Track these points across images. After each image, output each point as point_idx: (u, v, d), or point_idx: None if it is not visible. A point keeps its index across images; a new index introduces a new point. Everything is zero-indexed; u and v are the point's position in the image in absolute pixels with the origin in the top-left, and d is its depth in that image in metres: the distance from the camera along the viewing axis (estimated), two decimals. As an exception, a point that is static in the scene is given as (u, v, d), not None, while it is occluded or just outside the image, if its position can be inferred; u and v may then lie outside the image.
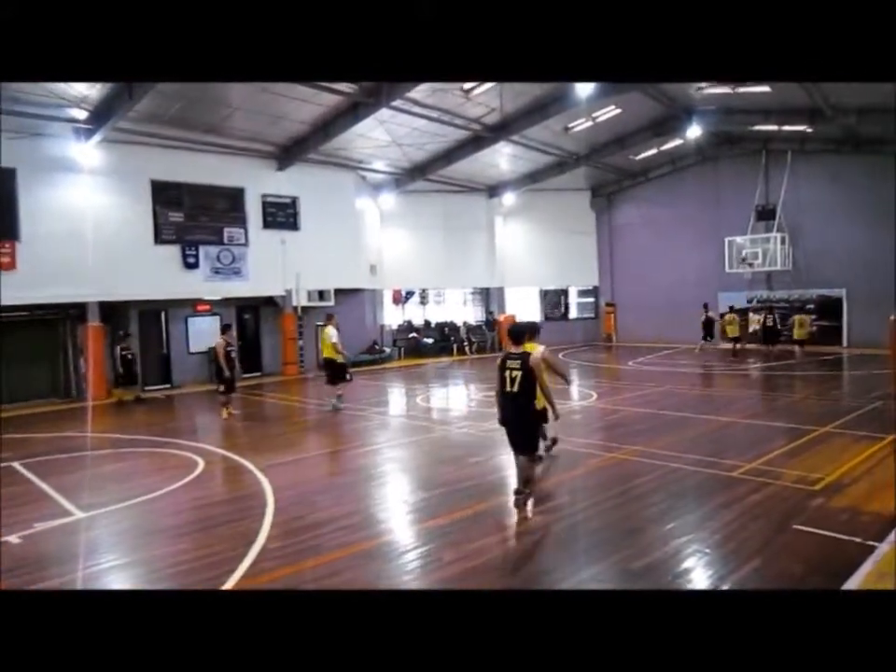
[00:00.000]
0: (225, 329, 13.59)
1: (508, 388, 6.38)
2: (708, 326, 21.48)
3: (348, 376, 13.21)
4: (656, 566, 5.10)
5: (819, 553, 5.25)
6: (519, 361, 6.33)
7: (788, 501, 6.48)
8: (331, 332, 13.02)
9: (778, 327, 20.74)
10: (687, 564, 5.16)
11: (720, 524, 5.96)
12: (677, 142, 22.58)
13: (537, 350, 6.89)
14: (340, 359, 13.03)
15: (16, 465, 9.30)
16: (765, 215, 22.58)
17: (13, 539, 6.19)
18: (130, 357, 16.08)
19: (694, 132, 20.48)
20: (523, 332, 6.61)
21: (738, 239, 22.70)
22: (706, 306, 21.75)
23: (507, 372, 6.38)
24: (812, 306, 21.92)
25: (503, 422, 6.58)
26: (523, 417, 6.40)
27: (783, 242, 21.95)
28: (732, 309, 21.91)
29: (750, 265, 22.36)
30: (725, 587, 4.73)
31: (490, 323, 26.37)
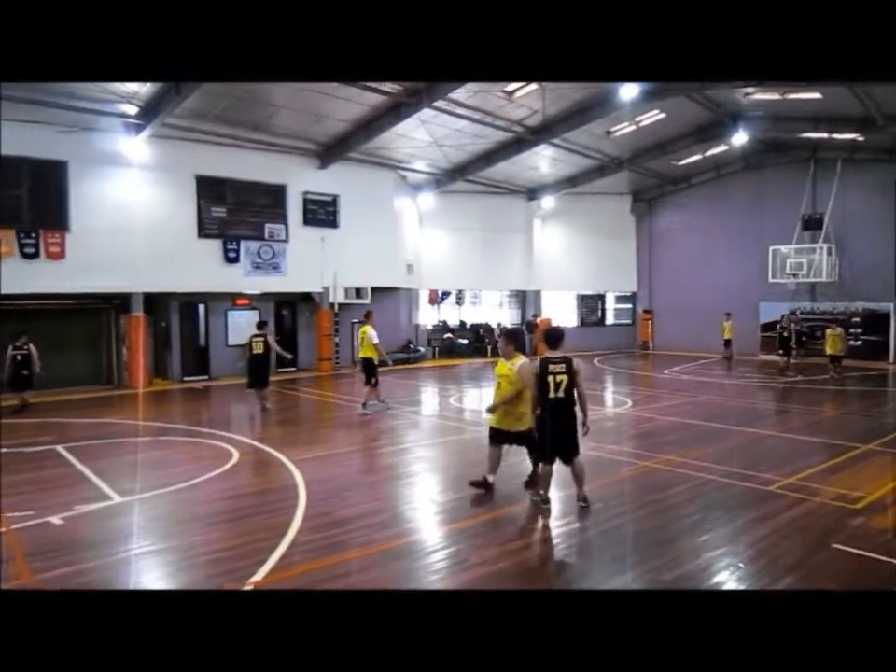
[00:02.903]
0: (262, 324, 13.46)
1: (552, 394, 6.33)
2: (787, 340, 18.93)
3: (373, 380, 12.55)
4: (687, 577, 5.02)
5: (858, 574, 5.11)
6: (563, 365, 6.33)
7: (826, 519, 6.31)
8: (372, 333, 12.57)
9: (792, 338, 19.04)
10: (719, 578, 5.07)
11: (754, 538, 5.84)
12: (721, 148, 22.20)
13: (518, 360, 6.90)
14: (377, 360, 12.61)
15: (59, 448, 9.58)
16: (812, 224, 22.07)
17: (55, 519, 6.38)
18: (21, 357, 13.22)
19: (740, 138, 20.10)
20: (560, 337, 6.63)
21: (783, 248, 22.22)
22: (783, 318, 19.86)
23: (551, 378, 6.33)
24: (858, 319, 21.35)
25: (542, 429, 6.50)
26: (569, 422, 6.38)
27: (829, 252, 21.41)
28: (836, 322, 19.81)
29: (794, 275, 21.86)
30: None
31: (531, 326, 26.23)
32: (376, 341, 12.57)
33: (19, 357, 13.22)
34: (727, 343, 22.33)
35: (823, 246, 21.41)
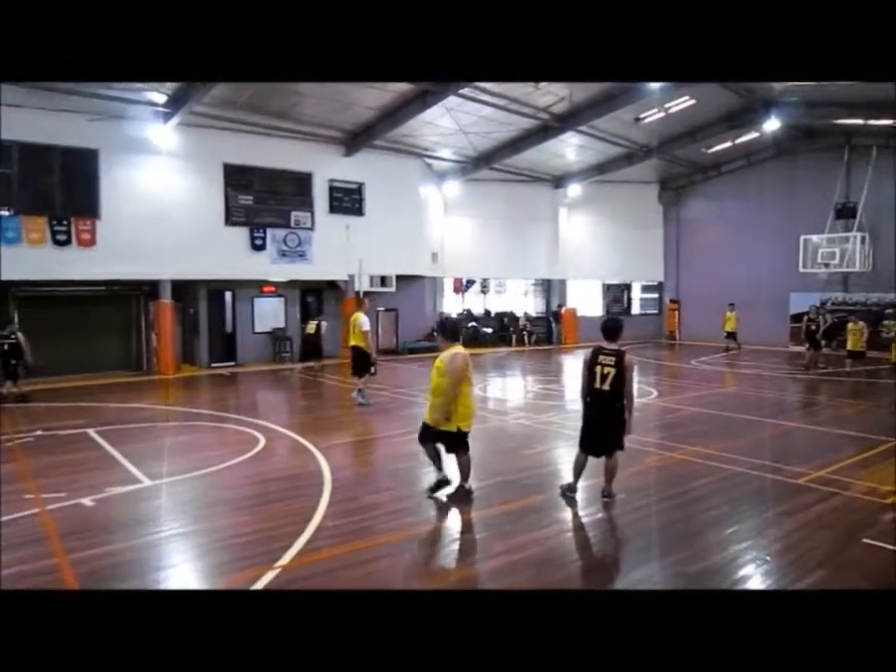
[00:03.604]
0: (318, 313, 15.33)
1: (598, 385, 6.26)
2: (814, 333, 17.65)
3: (373, 369, 12.15)
4: (714, 570, 4.98)
5: (890, 570, 5.02)
6: (613, 358, 6.22)
7: (857, 513, 6.21)
8: (363, 320, 11.96)
9: (820, 330, 17.65)
10: (745, 571, 5.02)
11: (782, 532, 5.76)
12: (753, 135, 21.73)
13: (452, 350, 6.39)
14: (368, 349, 12.01)
15: (91, 432, 9.79)
16: (845, 213, 21.54)
17: (87, 501, 6.52)
18: (9, 347, 12.56)
19: (772, 124, 19.66)
20: (617, 329, 6.46)
21: (814, 238, 21.74)
22: (811, 309, 18.48)
23: (598, 368, 6.25)
24: (892, 310, 20.84)
25: (585, 419, 6.49)
26: (612, 415, 6.30)
27: (863, 242, 20.89)
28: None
29: (826, 265, 21.40)
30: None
31: (556, 315, 26.04)
32: (367, 328, 11.97)
33: (6, 346, 12.60)
34: (730, 335, 21.55)
35: (857, 235, 20.89)
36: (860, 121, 19.61)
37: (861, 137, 21.02)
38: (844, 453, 8.52)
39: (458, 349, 6.44)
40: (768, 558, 5.23)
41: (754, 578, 4.92)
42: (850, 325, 17.03)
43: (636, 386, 6.94)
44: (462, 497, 6.59)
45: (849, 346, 16.80)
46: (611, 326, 6.51)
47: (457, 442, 6.50)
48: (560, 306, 26.25)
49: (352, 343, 12.12)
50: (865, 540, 5.49)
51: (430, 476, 7.77)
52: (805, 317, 18.53)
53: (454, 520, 6.25)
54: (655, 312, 28.23)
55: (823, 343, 18.27)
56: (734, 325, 21.54)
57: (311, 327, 16.97)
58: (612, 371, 6.20)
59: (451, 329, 6.75)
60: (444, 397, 6.28)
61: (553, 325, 26.07)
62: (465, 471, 6.65)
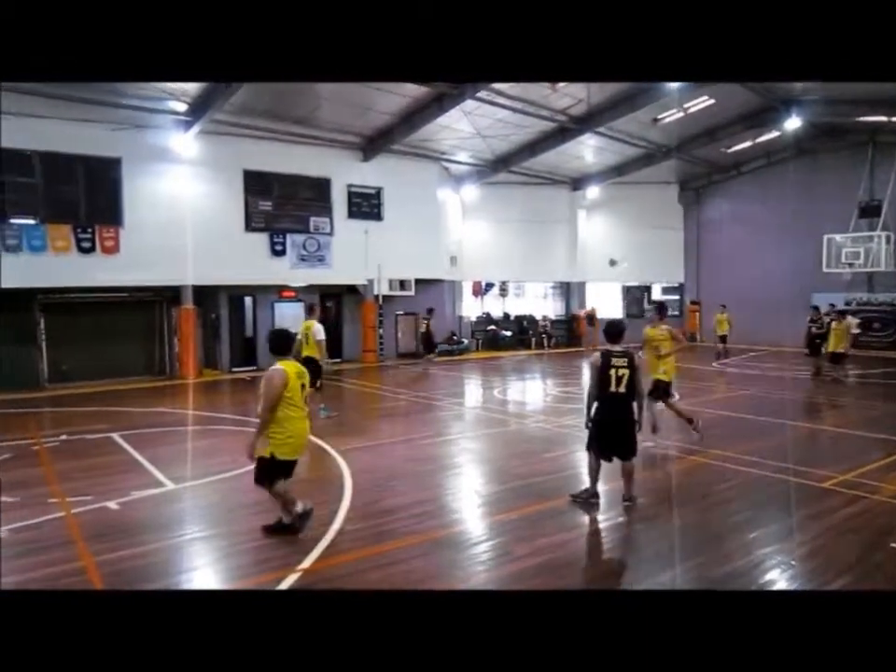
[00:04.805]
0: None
1: (613, 388, 6.19)
2: (816, 338, 15.96)
3: (318, 383, 10.33)
4: (738, 574, 4.93)
5: (918, 574, 4.93)
6: (626, 360, 6.19)
7: (884, 517, 6.10)
8: (317, 328, 10.78)
9: (827, 334, 15.50)
10: (770, 575, 4.96)
11: (807, 536, 5.68)
12: (773, 134, 21.54)
13: (274, 366, 5.69)
14: (321, 360, 10.71)
15: (115, 436, 9.92)
16: (869, 212, 21.25)
17: (112, 504, 6.62)
18: None
19: (793, 123, 19.46)
20: (622, 331, 6.45)
21: (838, 237, 21.45)
22: (813, 311, 16.76)
23: (612, 371, 6.19)
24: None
25: (599, 424, 6.39)
26: (629, 418, 6.26)
27: (888, 241, 20.58)
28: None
29: (850, 265, 21.08)
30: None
31: (591, 317, 25.43)
32: (321, 337, 10.73)
33: None
34: (722, 338, 19.98)
35: (881, 234, 20.59)
36: (883, 118, 19.34)
37: (885, 135, 20.72)
38: (870, 456, 8.38)
39: (280, 366, 5.64)
40: (793, 563, 5.16)
41: (779, 582, 4.86)
42: (834, 324, 15.25)
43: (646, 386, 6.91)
44: (280, 531, 5.74)
45: (829, 347, 15.16)
46: (616, 329, 6.50)
47: (266, 470, 5.58)
48: (592, 308, 25.95)
49: (305, 353, 10.44)
50: (893, 545, 5.40)
51: (452, 480, 7.78)
52: (809, 319, 16.64)
53: (474, 523, 6.25)
54: (676, 314, 27.98)
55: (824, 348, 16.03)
56: (725, 328, 19.91)
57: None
58: (627, 372, 6.17)
59: (273, 342, 5.93)
60: (260, 420, 5.61)
61: (588, 327, 25.63)
62: (281, 503, 5.74)
